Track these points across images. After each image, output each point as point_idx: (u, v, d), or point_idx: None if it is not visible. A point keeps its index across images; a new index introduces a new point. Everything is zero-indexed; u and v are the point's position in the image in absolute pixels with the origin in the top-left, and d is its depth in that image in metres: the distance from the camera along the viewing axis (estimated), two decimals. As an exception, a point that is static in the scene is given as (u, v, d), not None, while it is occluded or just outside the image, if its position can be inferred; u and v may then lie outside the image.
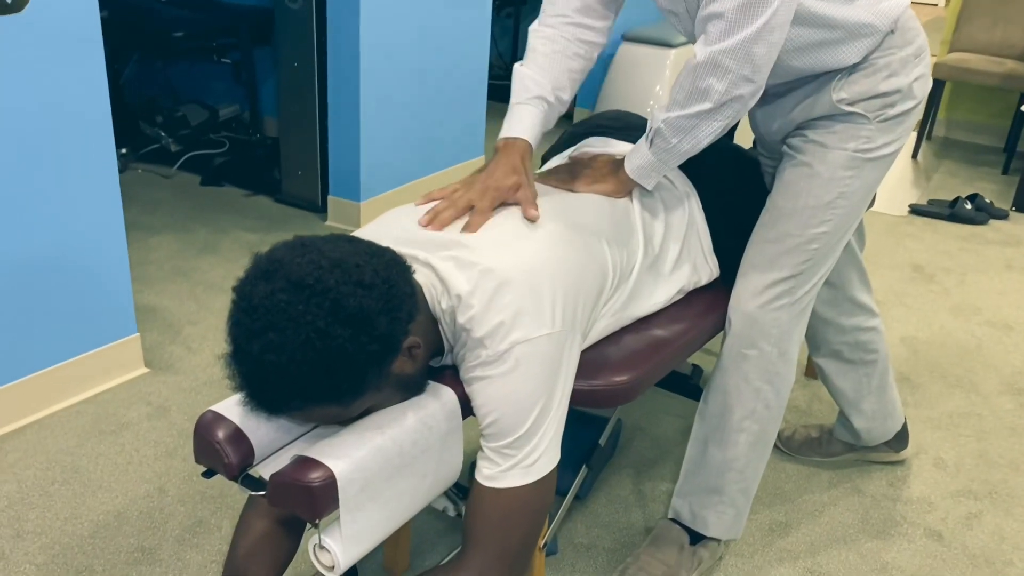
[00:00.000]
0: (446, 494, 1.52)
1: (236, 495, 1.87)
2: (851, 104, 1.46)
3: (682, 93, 1.37)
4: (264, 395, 1.07)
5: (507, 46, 5.61)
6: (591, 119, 1.79)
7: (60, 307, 2.09)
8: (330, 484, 1.08)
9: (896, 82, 1.46)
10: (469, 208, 1.33)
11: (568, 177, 1.51)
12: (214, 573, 1.67)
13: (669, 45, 4.38)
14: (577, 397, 1.32)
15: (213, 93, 4.03)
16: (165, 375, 2.31)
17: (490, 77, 4.03)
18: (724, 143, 1.73)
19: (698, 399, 1.70)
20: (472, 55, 3.56)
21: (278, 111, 3.40)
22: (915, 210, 3.90)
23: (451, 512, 1.55)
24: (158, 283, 2.80)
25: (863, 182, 1.53)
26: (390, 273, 1.11)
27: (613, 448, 2.08)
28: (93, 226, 2.11)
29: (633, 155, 1.47)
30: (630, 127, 1.71)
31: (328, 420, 1.15)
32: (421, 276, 1.22)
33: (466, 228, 1.29)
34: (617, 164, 1.50)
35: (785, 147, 1.57)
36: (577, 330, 1.25)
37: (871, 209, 3.82)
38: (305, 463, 1.10)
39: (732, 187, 1.69)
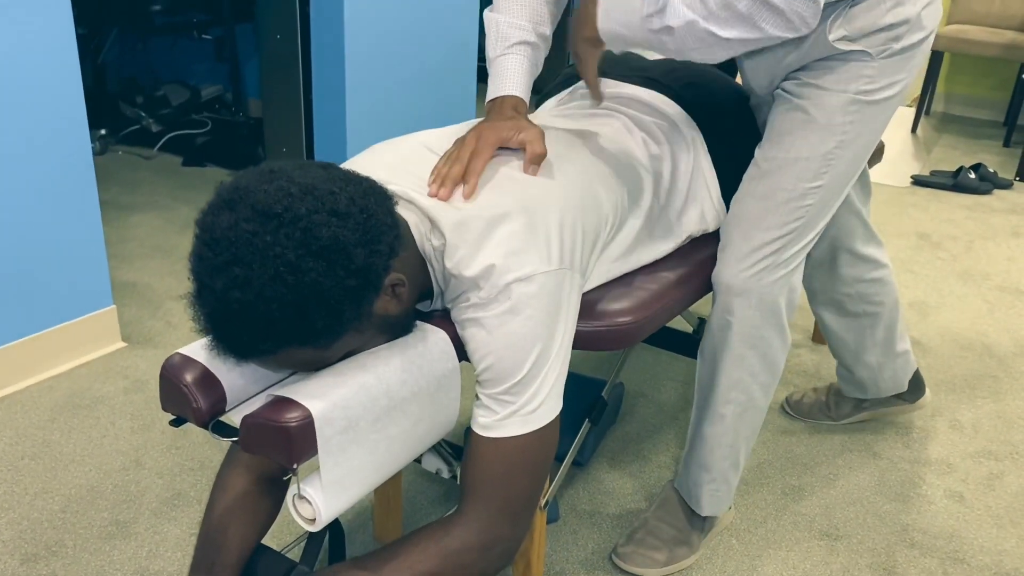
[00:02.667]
0: (440, 454, 1.42)
1: (218, 465, 1.76)
2: (852, 41, 1.30)
3: (725, 11, 1.16)
4: (231, 337, 0.97)
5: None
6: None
7: (31, 278, 1.98)
8: (308, 425, 0.97)
9: (903, 12, 1.30)
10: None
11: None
12: (193, 546, 1.56)
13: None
14: (579, 339, 1.22)
15: (195, 73, 3.93)
16: (143, 349, 2.20)
17: (482, 60, 3.93)
18: (729, 84, 1.63)
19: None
20: (461, 30, 3.46)
21: (261, 86, 3.30)
22: (918, 181, 3.81)
23: (445, 474, 1.44)
24: (138, 260, 2.69)
25: (865, 128, 1.37)
26: (368, 202, 1.01)
27: (615, 414, 1.98)
28: (64, 194, 2.00)
29: (612, 10, 1.26)
30: (630, 68, 1.61)
31: (304, 366, 1.05)
32: (408, 213, 1.12)
33: (467, 178, 1.15)
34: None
35: (778, 91, 1.41)
36: (577, 269, 1.15)
37: (872, 180, 3.73)
38: (280, 403, 0.99)
39: (738, 129, 1.59)
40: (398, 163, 1.21)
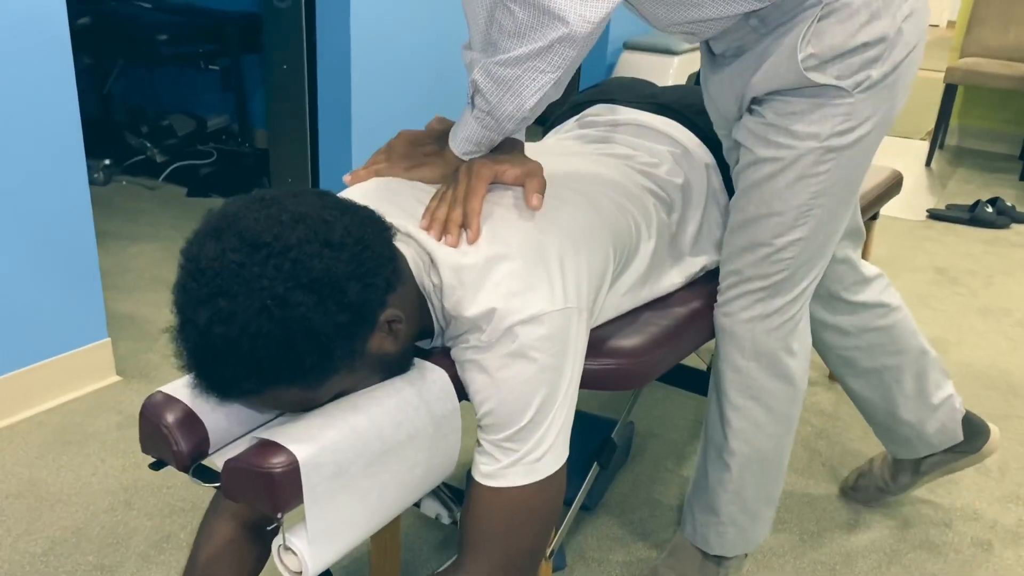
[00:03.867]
0: (440, 498, 1.34)
1: (209, 508, 1.69)
2: (821, 66, 1.13)
3: (499, 33, 1.06)
4: (213, 374, 0.91)
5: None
6: (597, 87, 1.64)
7: (22, 309, 1.93)
8: (293, 471, 0.90)
9: (879, 27, 1.12)
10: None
11: (386, 163, 1.21)
12: (180, 593, 1.49)
13: (672, 52, 4.25)
14: (586, 378, 1.15)
15: (202, 104, 3.90)
16: (138, 383, 2.14)
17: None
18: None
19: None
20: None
21: (267, 116, 3.26)
22: (933, 215, 3.74)
23: (445, 519, 1.36)
24: (136, 292, 2.64)
25: (845, 173, 1.22)
26: (364, 232, 0.95)
27: (626, 455, 1.90)
28: (59, 224, 1.95)
29: (457, 128, 1.16)
30: (641, 95, 1.55)
31: (292, 407, 0.98)
32: (406, 247, 1.06)
33: (468, 221, 1.06)
34: (444, 141, 1.19)
35: (736, 132, 1.27)
36: (584, 307, 1.08)
37: (886, 213, 3.67)
38: (264, 447, 0.92)
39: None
40: (391, 196, 1.15)
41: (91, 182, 3.50)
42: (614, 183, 1.26)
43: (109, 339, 2.12)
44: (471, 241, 1.05)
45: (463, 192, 1.09)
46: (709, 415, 1.44)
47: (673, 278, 1.35)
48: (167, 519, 1.67)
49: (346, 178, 1.22)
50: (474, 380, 1.03)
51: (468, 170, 1.12)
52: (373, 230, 0.96)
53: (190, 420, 0.99)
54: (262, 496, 0.91)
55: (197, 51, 3.47)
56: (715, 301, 1.36)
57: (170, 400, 1.01)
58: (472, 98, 1.12)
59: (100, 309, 2.08)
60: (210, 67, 3.60)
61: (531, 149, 1.29)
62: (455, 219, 1.06)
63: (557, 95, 1.11)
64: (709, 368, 1.83)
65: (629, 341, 1.21)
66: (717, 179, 1.44)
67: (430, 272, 1.05)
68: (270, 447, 0.92)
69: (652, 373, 1.21)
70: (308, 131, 3.11)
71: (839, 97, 1.16)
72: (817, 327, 1.59)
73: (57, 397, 2.03)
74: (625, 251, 1.21)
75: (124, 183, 3.58)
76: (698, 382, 1.76)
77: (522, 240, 1.06)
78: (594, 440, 1.46)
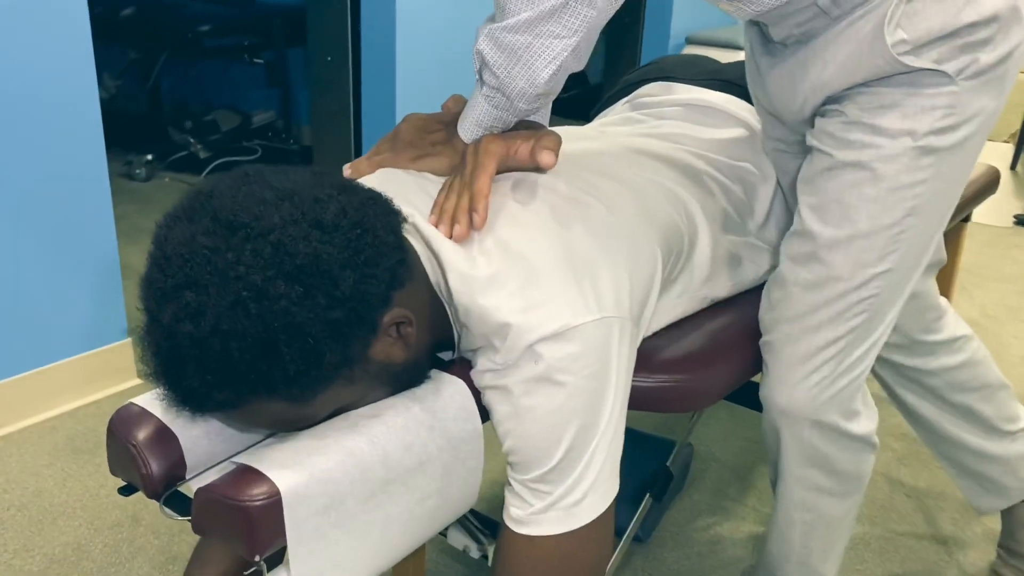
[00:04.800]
0: (467, 529, 1.17)
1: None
2: (916, 51, 0.91)
3: None
4: (181, 382, 0.75)
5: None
6: (654, 63, 1.45)
7: (36, 306, 1.81)
8: (274, 504, 0.74)
9: (990, 5, 0.89)
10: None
11: (390, 153, 1.04)
12: (180, 624, 1.34)
13: (737, 47, 4.03)
14: (636, 397, 0.96)
15: (247, 99, 3.81)
16: (160, 387, 2.01)
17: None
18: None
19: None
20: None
21: (311, 110, 3.15)
22: (1021, 220, 3.46)
23: (474, 552, 1.19)
24: (168, 290, 2.52)
25: (945, 184, 0.98)
26: (365, 215, 0.78)
27: (683, 481, 1.70)
28: (79, 220, 1.83)
29: (466, 111, 0.99)
30: (703, 72, 1.36)
31: (279, 425, 0.82)
32: (418, 244, 0.89)
33: (474, 203, 0.90)
34: (455, 127, 1.02)
35: (811, 137, 1.02)
36: (628, 316, 0.89)
37: (969, 220, 3.39)
38: (242, 474, 0.76)
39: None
40: (395, 188, 0.97)
41: (133, 178, 3.43)
42: (664, 169, 1.07)
43: (130, 340, 2.00)
44: (478, 226, 0.88)
45: (470, 173, 0.92)
46: (770, 468, 1.21)
47: (739, 275, 1.15)
48: (175, 538, 1.52)
49: (345, 169, 1.06)
50: (494, 408, 0.86)
51: (475, 149, 0.94)
52: (376, 213, 0.79)
53: (164, 438, 0.84)
54: (236, 534, 0.75)
55: (241, 44, 3.38)
56: None
57: (142, 414, 0.85)
58: (479, 73, 0.95)
59: (121, 308, 1.96)
60: (255, 61, 3.50)
61: (564, 134, 1.11)
62: (463, 206, 0.89)
63: (578, 66, 0.92)
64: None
65: (689, 352, 1.02)
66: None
67: (439, 276, 0.88)
68: (247, 474, 0.76)
69: (717, 392, 1.02)
70: (352, 125, 3.00)
71: (940, 85, 0.93)
72: (886, 373, 1.37)
73: (72, 401, 1.91)
74: (678, 248, 1.02)
75: (167, 179, 3.49)
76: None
77: (545, 240, 0.88)
78: (647, 466, 1.27)
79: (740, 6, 0.98)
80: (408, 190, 0.96)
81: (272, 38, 3.40)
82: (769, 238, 1.18)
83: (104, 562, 1.46)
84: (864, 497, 1.39)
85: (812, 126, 1.03)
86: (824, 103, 1.01)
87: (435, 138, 1.03)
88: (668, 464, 1.21)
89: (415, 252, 0.88)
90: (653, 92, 1.34)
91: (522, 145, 0.95)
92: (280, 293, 0.71)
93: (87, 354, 1.92)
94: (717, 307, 1.11)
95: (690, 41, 4.17)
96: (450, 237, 0.88)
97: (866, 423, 1.11)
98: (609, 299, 0.86)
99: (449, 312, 0.90)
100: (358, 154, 3.05)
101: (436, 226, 0.90)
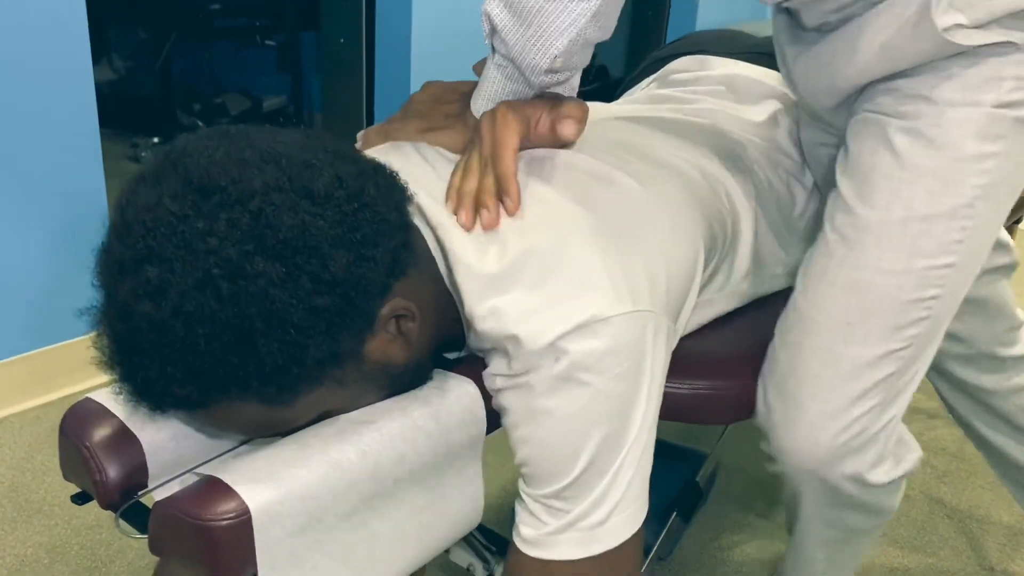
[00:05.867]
0: (472, 546, 1.05)
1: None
2: (973, 30, 0.77)
3: None
4: (137, 373, 0.63)
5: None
6: (685, 38, 1.32)
7: (28, 287, 1.70)
8: (242, 524, 0.63)
9: None
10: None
11: (399, 122, 0.94)
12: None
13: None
14: (670, 405, 0.84)
15: (259, 83, 3.70)
16: (152, 378, 1.90)
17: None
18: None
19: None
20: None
21: (323, 93, 3.05)
22: (1060, 227, 3.31)
23: (480, 573, 1.07)
24: (167, 277, 2.41)
25: (1013, 165, 0.81)
26: (364, 186, 0.66)
27: (707, 494, 1.58)
28: (70, 201, 1.72)
29: (480, 84, 0.88)
30: (740, 45, 1.24)
31: (256, 429, 0.71)
32: (426, 230, 0.78)
33: (505, 186, 0.78)
34: (467, 96, 0.91)
35: (863, 110, 0.86)
36: (666, 310, 0.77)
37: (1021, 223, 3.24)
38: (207, 488, 0.65)
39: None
40: (397, 161, 0.85)
41: (138, 161, 3.33)
42: (702, 150, 0.95)
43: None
44: (512, 211, 0.76)
45: (489, 150, 0.79)
46: (787, 504, 1.07)
47: (781, 271, 1.03)
48: (158, 541, 1.41)
49: (359, 136, 0.94)
50: (509, 410, 0.74)
51: (491, 121, 0.82)
52: (379, 186, 0.68)
53: (123, 440, 0.73)
54: (197, 557, 0.64)
55: (253, 25, 3.28)
56: None
57: (100, 412, 0.74)
58: (489, 39, 0.82)
59: (112, 292, 1.85)
60: (267, 43, 3.40)
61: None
62: (487, 188, 0.77)
63: (601, 35, 0.79)
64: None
65: (729, 356, 0.90)
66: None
67: (446, 266, 0.76)
68: (213, 488, 0.64)
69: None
70: (365, 110, 2.89)
71: (1006, 54, 0.77)
72: (947, 389, 1.22)
73: (62, 388, 1.81)
74: (721, 237, 0.90)
75: (173, 164, 3.39)
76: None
77: (569, 222, 0.76)
78: (673, 480, 1.15)
79: None
80: (413, 165, 0.84)
81: (284, 20, 3.30)
82: (811, 225, 1.06)
83: (79, 566, 1.36)
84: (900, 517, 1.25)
85: (849, 114, 0.89)
86: (863, 89, 0.86)
87: (449, 110, 0.92)
88: (697, 479, 1.09)
89: (421, 235, 0.76)
90: (686, 67, 1.21)
91: (543, 115, 0.83)
92: (258, 271, 0.60)
93: (80, 339, 1.81)
94: (759, 304, 0.99)
95: (718, 34, 4.04)
96: (471, 228, 0.76)
97: (913, 457, 0.94)
98: (644, 291, 0.74)
99: (458, 305, 0.78)
100: (370, 142, 2.96)
101: (456, 213, 0.77)
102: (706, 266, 0.87)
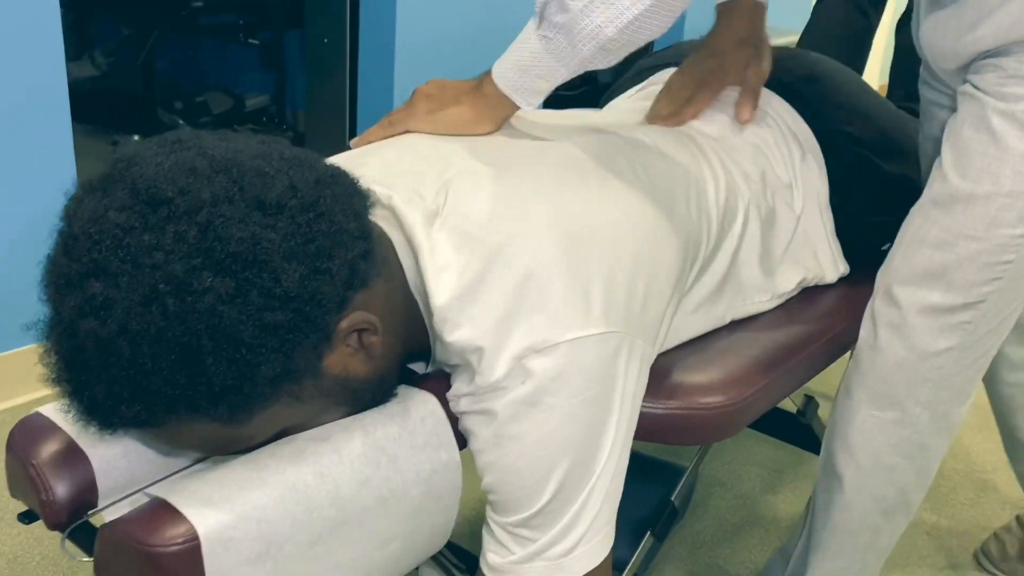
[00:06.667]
0: (441, 564, 1.03)
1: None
2: None
3: None
4: (84, 392, 0.61)
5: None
6: (671, 48, 1.30)
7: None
8: (191, 550, 0.60)
9: None
10: None
11: (405, 111, 0.92)
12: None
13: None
14: (645, 425, 0.82)
15: (242, 82, 3.66)
16: (123, 382, 1.86)
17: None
18: (860, 81, 1.23)
19: (807, 447, 1.19)
20: (529, 42, 3.13)
21: (306, 95, 3.02)
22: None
23: (449, 591, 1.04)
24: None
25: None
26: (320, 195, 0.64)
27: (684, 509, 1.56)
28: (44, 194, 1.69)
29: (509, 50, 0.86)
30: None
31: (211, 447, 0.68)
32: (395, 232, 0.75)
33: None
34: (477, 82, 0.91)
35: (963, 89, 0.95)
36: (643, 333, 0.75)
37: None
38: (156, 512, 0.62)
39: (872, 143, 1.18)
40: (399, 161, 0.84)
41: (118, 159, 3.30)
42: (686, 166, 0.93)
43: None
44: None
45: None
46: (825, 482, 1.09)
47: (759, 294, 1.01)
48: (123, 551, 1.38)
49: (352, 143, 0.93)
50: (474, 435, 0.72)
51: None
52: (336, 194, 0.65)
53: (71, 457, 0.70)
54: (144, 586, 0.61)
55: (237, 22, 3.24)
56: (820, 322, 1.02)
57: (47, 428, 0.71)
58: (541, 7, 0.81)
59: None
60: (250, 41, 3.36)
61: (572, 117, 0.97)
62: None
63: (664, 23, 0.78)
64: (801, 411, 1.47)
65: (704, 376, 0.88)
66: (819, 170, 1.10)
67: (417, 273, 0.74)
68: (161, 512, 0.61)
69: (738, 422, 0.88)
70: (348, 110, 2.87)
71: None
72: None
73: (31, 392, 1.77)
74: (695, 255, 0.88)
75: (153, 162, 3.35)
76: (782, 427, 1.42)
77: (546, 228, 0.74)
78: (649, 497, 1.13)
79: None
80: (390, 165, 0.82)
81: (269, 18, 3.27)
82: (797, 253, 1.04)
83: (41, 576, 1.32)
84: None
85: (963, 83, 0.96)
86: (978, 58, 0.93)
87: (461, 87, 0.90)
88: (672, 498, 1.06)
89: (389, 243, 0.74)
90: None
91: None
92: (206, 287, 0.57)
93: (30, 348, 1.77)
94: (736, 325, 0.97)
95: (704, 40, 4.03)
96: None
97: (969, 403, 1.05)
98: (619, 309, 0.72)
99: (425, 316, 0.75)
100: (352, 137, 2.93)
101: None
102: (682, 286, 0.85)
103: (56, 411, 0.72)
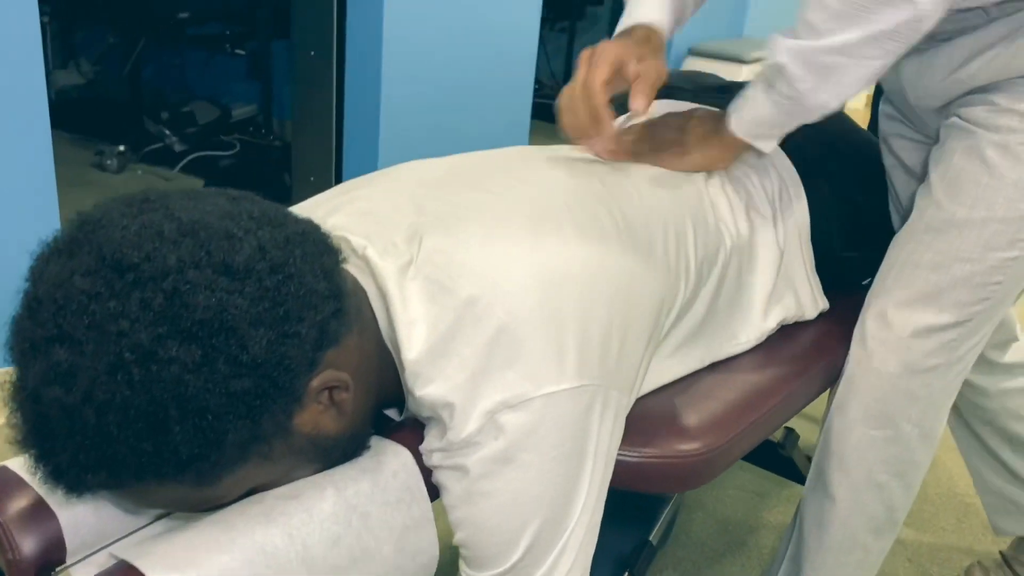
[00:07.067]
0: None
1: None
2: None
3: (822, 13, 0.85)
4: (49, 458, 0.60)
5: (560, 65, 5.18)
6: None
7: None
8: (156, 621, 0.59)
9: None
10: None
11: (646, 146, 1.01)
12: None
13: (741, 61, 3.90)
14: (622, 473, 0.81)
15: (229, 92, 3.65)
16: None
17: (539, 96, 3.59)
18: (839, 112, 1.23)
19: (789, 476, 1.19)
20: (517, 55, 3.12)
21: (292, 108, 3.01)
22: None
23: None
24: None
25: None
26: (290, 256, 0.64)
27: (666, 538, 1.56)
28: (23, 209, 1.67)
29: (743, 106, 0.96)
30: (706, 89, 1.22)
31: (180, 506, 0.67)
32: (368, 280, 0.75)
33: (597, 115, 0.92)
34: (716, 121, 1.00)
35: (949, 121, 1.01)
36: (618, 383, 0.75)
37: None
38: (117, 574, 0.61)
39: (850, 174, 1.18)
40: (375, 208, 0.83)
41: (104, 169, 3.27)
42: (667, 203, 0.93)
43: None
44: (609, 145, 0.94)
45: (582, 75, 0.94)
46: (813, 502, 1.11)
47: (738, 336, 1.01)
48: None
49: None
50: (446, 490, 0.71)
51: (590, 51, 0.94)
52: (305, 252, 0.65)
53: (38, 514, 0.69)
54: (108, 655, 0.60)
55: (223, 33, 3.22)
56: (799, 361, 1.02)
57: (14, 482, 0.70)
58: (770, 79, 0.90)
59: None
60: (237, 52, 3.35)
61: (542, 154, 0.97)
62: (580, 119, 0.92)
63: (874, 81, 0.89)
64: (782, 443, 1.47)
65: (681, 422, 0.88)
66: (800, 203, 1.10)
67: (388, 323, 0.74)
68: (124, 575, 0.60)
69: (716, 469, 0.87)
70: (334, 123, 2.86)
71: None
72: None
73: None
74: (676, 302, 0.88)
75: (139, 172, 3.33)
76: (763, 455, 1.42)
77: (522, 273, 0.73)
78: (627, 535, 1.13)
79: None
80: (365, 213, 0.82)
81: (256, 28, 3.25)
82: (777, 290, 1.04)
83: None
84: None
85: (947, 116, 1.02)
86: (966, 93, 0.99)
87: (699, 131, 1.02)
88: (651, 540, 1.06)
89: (363, 293, 0.73)
90: (657, 110, 1.19)
91: (630, 64, 0.93)
92: (171, 356, 0.57)
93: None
94: (712, 368, 0.97)
95: (693, 52, 4.03)
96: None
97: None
98: (593, 360, 0.72)
99: (398, 366, 0.75)
100: (339, 153, 2.90)
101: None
102: (662, 330, 0.84)
103: (23, 466, 0.71)
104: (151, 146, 3.39)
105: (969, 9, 0.93)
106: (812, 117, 0.92)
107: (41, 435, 0.60)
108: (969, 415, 1.35)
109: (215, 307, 0.58)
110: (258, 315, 0.59)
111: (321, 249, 0.67)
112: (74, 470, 0.59)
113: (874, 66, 0.85)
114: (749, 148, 0.99)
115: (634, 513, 1.31)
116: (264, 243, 0.62)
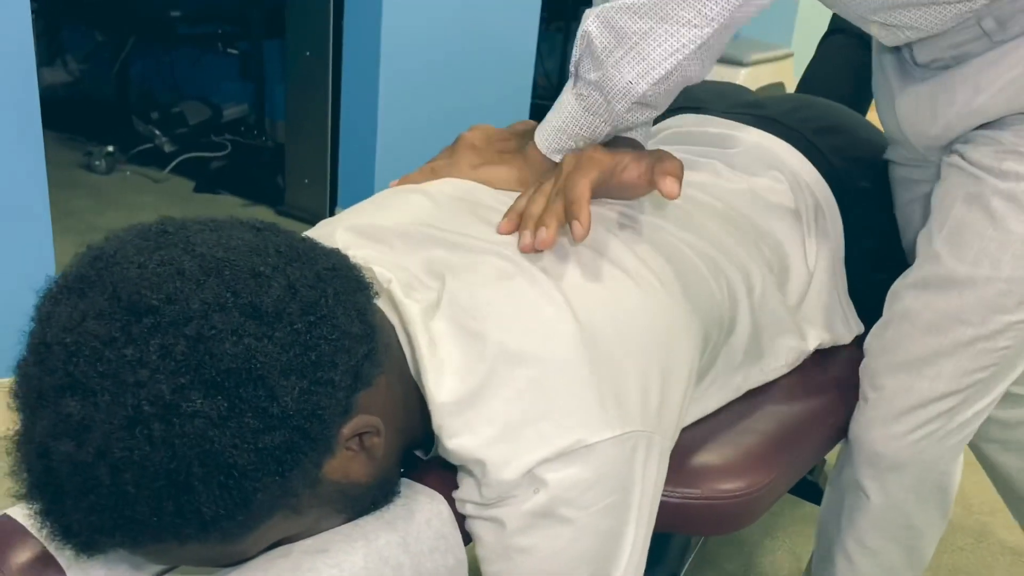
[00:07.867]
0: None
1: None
2: None
3: None
4: (59, 518, 0.54)
5: (555, 65, 5.12)
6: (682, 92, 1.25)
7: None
8: None
9: None
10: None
11: (447, 160, 0.88)
12: None
13: (740, 64, 3.86)
14: (663, 516, 0.76)
15: (220, 92, 3.58)
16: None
17: (535, 97, 3.54)
18: (879, 134, 1.18)
19: (815, 501, 1.14)
20: (516, 57, 3.07)
21: (286, 109, 2.95)
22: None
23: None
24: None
25: None
26: (321, 296, 0.58)
27: (681, 559, 1.52)
28: (12, 215, 1.61)
29: (549, 114, 0.85)
30: (740, 104, 1.17)
31: (198, 563, 0.62)
32: (391, 312, 0.70)
33: (575, 211, 0.73)
34: (528, 139, 0.88)
35: (952, 161, 0.91)
36: (660, 427, 0.70)
37: None
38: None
39: (878, 201, 1.13)
40: (397, 231, 0.78)
41: (92, 170, 3.20)
42: (705, 232, 0.88)
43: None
44: (579, 237, 0.70)
45: (565, 177, 0.75)
46: (817, 553, 1.05)
47: (773, 362, 0.96)
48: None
49: (392, 184, 0.89)
50: (481, 542, 0.67)
51: (575, 158, 0.77)
52: (337, 291, 0.59)
53: (42, 563, 0.63)
54: None
55: (215, 32, 3.16)
56: (839, 387, 0.98)
57: (18, 532, 0.65)
58: (575, 66, 0.78)
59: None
60: (229, 51, 3.28)
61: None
62: (554, 210, 0.72)
63: (698, 75, 0.76)
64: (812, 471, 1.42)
65: (722, 458, 0.83)
66: (835, 227, 1.05)
67: (414, 363, 0.68)
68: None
69: (759, 509, 0.83)
70: (329, 125, 2.80)
71: None
72: None
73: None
74: (717, 332, 0.83)
75: (128, 173, 3.25)
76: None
77: (558, 327, 0.68)
78: (655, 565, 1.08)
79: (896, 32, 0.86)
80: (386, 247, 0.76)
81: (248, 27, 3.19)
82: (813, 313, 1.00)
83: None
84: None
85: (950, 153, 0.92)
86: (971, 129, 0.89)
87: (504, 147, 0.87)
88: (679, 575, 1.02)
89: (391, 329, 0.68)
90: (684, 124, 1.14)
91: (632, 163, 0.77)
92: (195, 409, 0.51)
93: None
94: (752, 399, 0.92)
95: (690, 54, 3.99)
96: (529, 249, 0.71)
97: (957, 482, 1.02)
98: (635, 407, 0.67)
99: (428, 405, 0.70)
100: (334, 156, 2.85)
101: (507, 233, 0.73)
102: (700, 362, 0.80)
103: (26, 516, 0.66)
104: (140, 147, 3.32)
105: (964, 27, 0.84)
106: (614, 113, 0.79)
107: (49, 493, 0.54)
108: (1002, 459, 1.25)
109: (243, 355, 0.53)
110: (289, 362, 0.54)
111: (353, 286, 0.62)
112: (86, 532, 0.54)
113: (686, 35, 0.72)
114: (550, 164, 0.84)
115: (661, 552, 1.27)
116: (294, 281, 0.57)
